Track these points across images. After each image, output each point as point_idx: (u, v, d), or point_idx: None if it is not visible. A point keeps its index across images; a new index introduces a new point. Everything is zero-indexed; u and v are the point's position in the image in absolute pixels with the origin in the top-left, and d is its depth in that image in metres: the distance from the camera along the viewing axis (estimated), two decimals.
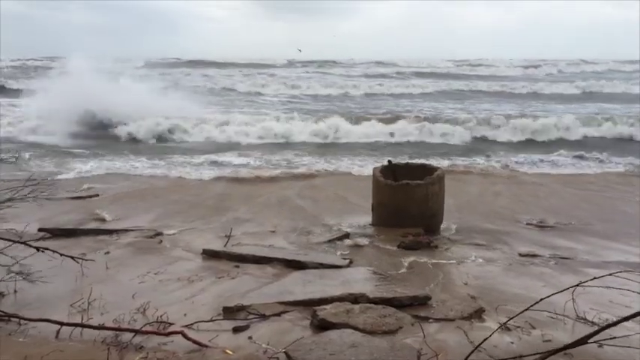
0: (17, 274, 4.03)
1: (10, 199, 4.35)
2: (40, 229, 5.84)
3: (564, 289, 2.93)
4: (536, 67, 43.17)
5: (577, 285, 2.89)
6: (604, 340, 2.55)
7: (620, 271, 2.84)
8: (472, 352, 2.69)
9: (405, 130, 15.19)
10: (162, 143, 14.18)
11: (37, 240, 5.21)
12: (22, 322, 3.41)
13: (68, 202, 7.54)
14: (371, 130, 15.23)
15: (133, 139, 14.42)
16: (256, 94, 25.96)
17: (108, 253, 5.19)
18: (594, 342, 2.58)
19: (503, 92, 27.49)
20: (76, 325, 3.32)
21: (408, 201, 6.00)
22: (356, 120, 16.23)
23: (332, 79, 32.44)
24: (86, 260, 4.52)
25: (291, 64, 47.28)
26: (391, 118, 16.40)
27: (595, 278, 2.80)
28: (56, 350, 3.01)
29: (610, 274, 2.81)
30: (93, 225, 6.33)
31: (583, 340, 2.47)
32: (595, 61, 47.40)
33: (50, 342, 3.18)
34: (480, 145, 14.38)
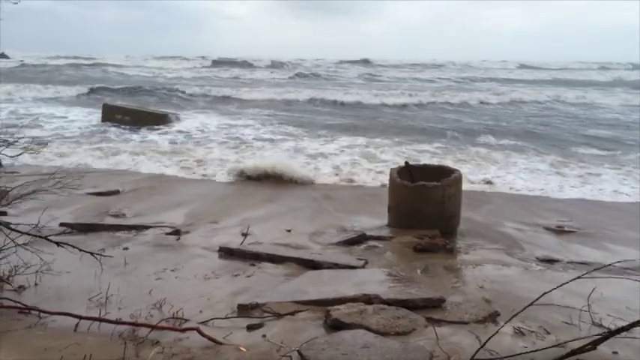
0: (38, 269, 4.12)
1: (34, 191, 4.45)
2: (61, 224, 5.96)
3: (560, 285, 2.91)
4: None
5: (575, 279, 2.88)
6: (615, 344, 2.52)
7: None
8: (478, 350, 2.69)
9: None
10: None
11: (58, 235, 5.31)
12: (41, 315, 3.48)
13: (89, 197, 7.65)
14: None
15: None
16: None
17: (126, 249, 5.27)
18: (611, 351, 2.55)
19: None
20: (94, 319, 3.38)
21: (424, 202, 5.98)
22: None
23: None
24: (105, 256, 4.59)
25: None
26: None
27: (594, 270, 2.77)
28: (74, 344, 3.07)
29: (606, 268, 2.77)
30: (113, 221, 6.43)
31: (593, 345, 2.45)
32: None
33: (69, 335, 3.24)
34: None
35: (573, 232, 6.58)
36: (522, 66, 59.32)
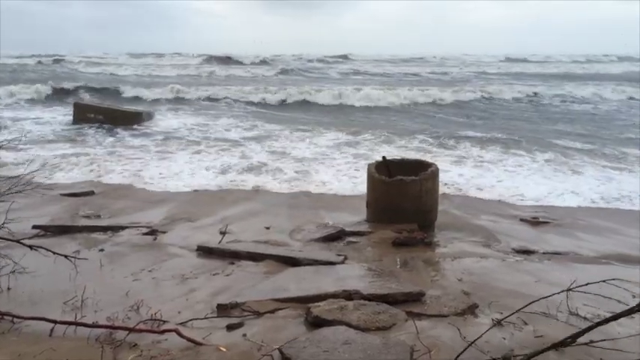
0: (10, 272, 4.02)
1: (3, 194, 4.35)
2: (34, 227, 5.83)
3: (559, 292, 2.94)
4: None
5: (568, 289, 2.92)
6: (596, 340, 2.57)
7: (614, 279, 2.88)
8: (464, 350, 2.70)
9: None
10: None
11: (31, 238, 5.22)
12: (15, 320, 3.41)
13: (63, 198, 7.51)
14: None
15: None
16: None
17: (102, 250, 5.18)
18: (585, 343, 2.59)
19: None
20: (69, 323, 3.32)
21: (402, 197, 6.01)
22: None
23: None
24: (79, 259, 4.51)
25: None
26: None
27: (588, 284, 2.84)
28: (49, 349, 3.02)
29: (604, 281, 2.83)
30: (87, 222, 6.31)
31: (573, 339, 2.49)
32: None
33: (44, 340, 3.18)
34: None
35: (548, 222, 6.68)
36: (508, 59, 59.79)
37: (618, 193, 8.36)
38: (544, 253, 5.43)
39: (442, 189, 6.92)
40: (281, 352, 2.84)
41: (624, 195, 8.24)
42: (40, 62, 43.71)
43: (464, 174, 9.66)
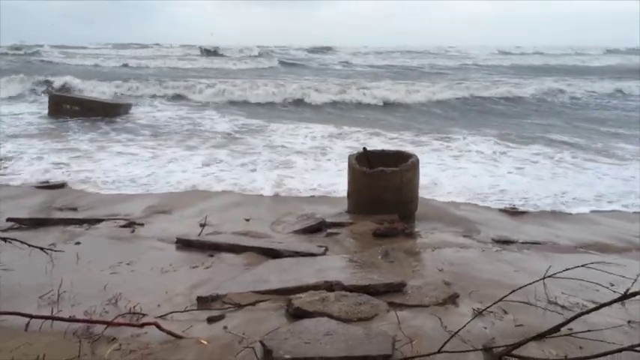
0: None
1: None
2: (8, 219, 5.70)
3: (538, 280, 2.97)
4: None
5: (549, 276, 2.95)
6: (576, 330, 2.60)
7: (592, 263, 2.90)
8: (447, 341, 2.71)
9: None
10: None
11: (5, 230, 5.11)
12: None
13: (36, 191, 7.37)
14: None
15: None
16: None
17: (79, 243, 5.09)
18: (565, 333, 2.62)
19: None
20: (46, 317, 3.24)
21: (383, 188, 6.01)
22: None
23: None
24: (55, 251, 4.43)
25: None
26: None
27: (567, 269, 2.86)
28: (26, 343, 2.95)
29: (583, 265, 2.86)
30: (63, 214, 6.20)
31: (556, 328, 2.52)
32: None
33: (19, 335, 3.10)
34: None
35: (527, 212, 6.76)
36: (497, 52, 59.37)
37: (621, 192, 7.84)
38: (523, 243, 5.49)
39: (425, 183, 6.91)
40: (262, 344, 2.82)
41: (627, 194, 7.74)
42: (8, 53, 42.47)
43: (456, 169, 9.36)
